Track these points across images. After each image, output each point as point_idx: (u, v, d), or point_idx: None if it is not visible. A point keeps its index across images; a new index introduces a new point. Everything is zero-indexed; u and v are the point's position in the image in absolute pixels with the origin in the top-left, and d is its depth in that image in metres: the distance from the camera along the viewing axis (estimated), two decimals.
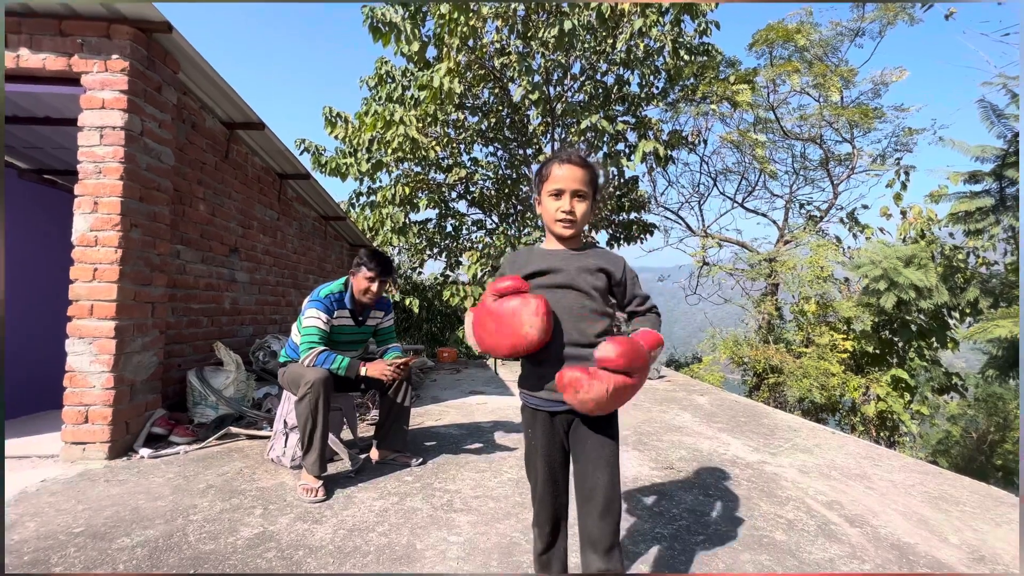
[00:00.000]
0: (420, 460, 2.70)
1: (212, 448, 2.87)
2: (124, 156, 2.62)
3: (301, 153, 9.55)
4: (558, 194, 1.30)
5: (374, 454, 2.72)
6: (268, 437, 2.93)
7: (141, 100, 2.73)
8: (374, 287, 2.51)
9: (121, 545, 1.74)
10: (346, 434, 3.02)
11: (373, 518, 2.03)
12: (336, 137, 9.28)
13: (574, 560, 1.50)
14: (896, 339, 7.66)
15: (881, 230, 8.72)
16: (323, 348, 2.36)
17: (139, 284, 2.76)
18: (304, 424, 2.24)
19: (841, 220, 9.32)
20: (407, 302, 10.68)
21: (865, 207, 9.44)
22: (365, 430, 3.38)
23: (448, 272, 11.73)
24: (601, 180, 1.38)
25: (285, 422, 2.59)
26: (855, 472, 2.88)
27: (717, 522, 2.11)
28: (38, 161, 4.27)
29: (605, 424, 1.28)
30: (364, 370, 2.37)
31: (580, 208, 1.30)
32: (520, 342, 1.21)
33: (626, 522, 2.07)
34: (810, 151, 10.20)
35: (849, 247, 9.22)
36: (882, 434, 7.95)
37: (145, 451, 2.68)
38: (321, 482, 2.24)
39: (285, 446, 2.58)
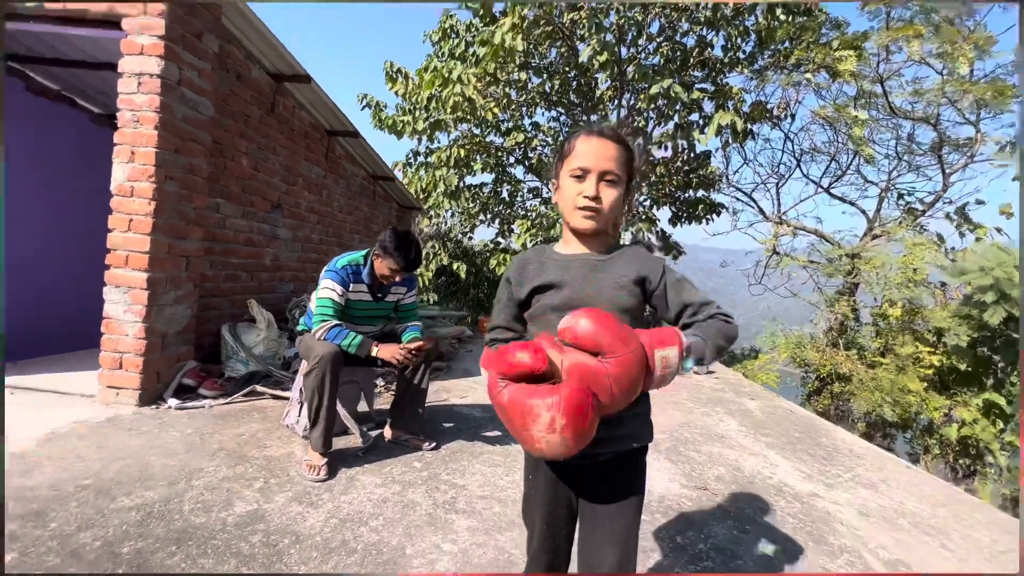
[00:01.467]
0: (433, 445, 2.58)
1: (236, 404, 2.91)
2: (160, 105, 2.56)
3: (363, 108, 9.49)
4: (582, 175, 0.98)
5: (387, 432, 2.64)
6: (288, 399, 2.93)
7: (179, 47, 2.64)
8: (396, 277, 2.35)
9: (119, 506, 1.75)
10: (363, 406, 2.96)
11: (370, 508, 1.93)
12: (396, 93, 9.14)
13: None
14: (996, 358, 6.66)
15: (998, 230, 7.45)
16: (336, 322, 2.24)
17: (173, 237, 2.76)
18: (311, 399, 2.16)
19: (948, 216, 8.07)
20: (455, 267, 10.65)
21: (980, 202, 8.07)
22: (385, 402, 3.32)
23: (500, 239, 11.56)
24: (636, 163, 1.06)
25: (300, 391, 2.54)
26: (929, 523, 2.45)
27: (749, 568, 1.82)
28: (108, 107, 4.42)
29: (625, 486, 1.02)
30: (376, 351, 2.24)
31: (609, 195, 0.99)
32: (534, 450, 0.81)
33: (643, 553, 1.84)
34: (920, 133, 8.82)
35: (953, 247, 8.02)
36: (961, 462, 7.08)
37: (173, 401, 2.74)
38: (325, 460, 2.16)
39: (299, 415, 2.54)
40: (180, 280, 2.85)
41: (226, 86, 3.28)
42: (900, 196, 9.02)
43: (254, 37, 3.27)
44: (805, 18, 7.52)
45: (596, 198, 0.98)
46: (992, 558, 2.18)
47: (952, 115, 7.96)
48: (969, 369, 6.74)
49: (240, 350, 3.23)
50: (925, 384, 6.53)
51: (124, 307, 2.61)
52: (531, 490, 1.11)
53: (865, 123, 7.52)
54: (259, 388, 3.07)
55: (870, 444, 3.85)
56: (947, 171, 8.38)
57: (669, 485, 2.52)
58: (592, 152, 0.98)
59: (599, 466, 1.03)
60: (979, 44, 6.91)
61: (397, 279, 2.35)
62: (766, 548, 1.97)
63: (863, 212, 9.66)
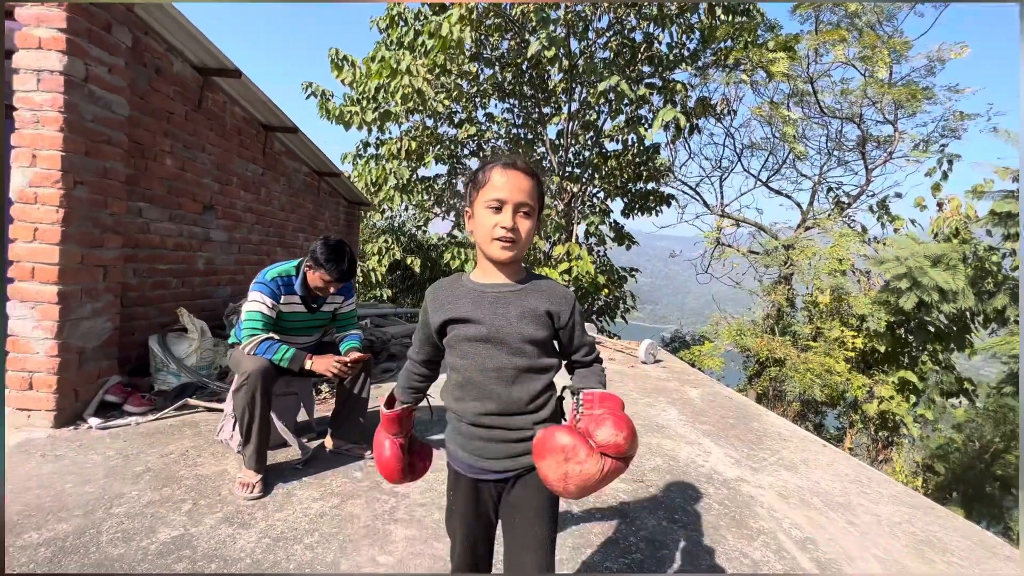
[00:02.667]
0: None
1: (167, 420, 2.78)
2: (64, 105, 2.37)
3: (308, 97, 9.10)
4: (499, 207, 1.02)
5: (328, 442, 2.60)
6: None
7: (84, 40, 2.44)
8: (331, 288, 2.30)
9: (26, 542, 1.64)
10: (304, 415, 2.89)
11: (306, 524, 1.91)
12: (343, 82, 8.81)
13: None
14: (911, 339, 7.31)
15: (913, 222, 8.15)
16: (265, 336, 2.18)
17: (87, 247, 2.57)
18: (242, 416, 2.09)
19: (871, 208, 8.72)
20: (409, 261, 10.49)
21: (899, 196, 8.78)
22: (327, 409, 3.26)
23: (456, 233, 11.47)
24: (546, 195, 1.12)
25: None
26: (839, 501, 2.69)
27: (674, 559, 1.94)
28: None
29: (539, 498, 1.07)
30: (309, 364, 2.20)
31: (524, 226, 1.04)
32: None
33: (576, 550, 1.92)
34: (847, 130, 9.45)
35: (875, 237, 8.68)
36: (881, 434, 7.76)
37: (95, 421, 2.59)
38: (260, 476, 2.11)
39: (233, 429, 2.45)
40: (97, 291, 2.67)
41: (144, 82, 3.07)
42: (830, 189, 9.64)
43: (173, 28, 3.06)
44: (744, 18, 7.84)
45: (514, 229, 1.02)
46: (891, 528, 2.43)
47: (874, 114, 8.56)
48: (888, 349, 7.36)
49: (170, 362, 3.08)
50: (849, 365, 7.08)
51: (32, 323, 2.42)
52: (452, 504, 1.16)
53: (796, 123, 7.96)
54: (192, 401, 2.94)
55: (796, 427, 4.15)
56: (870, 167, 9.03)
57: None
58: (507, 184, 1.02)
59: (512, 481, 1.09)
60: (896, 48, 7.44)
61: (331, 290, 2.30)
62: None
63: (798, 205, 10.27)
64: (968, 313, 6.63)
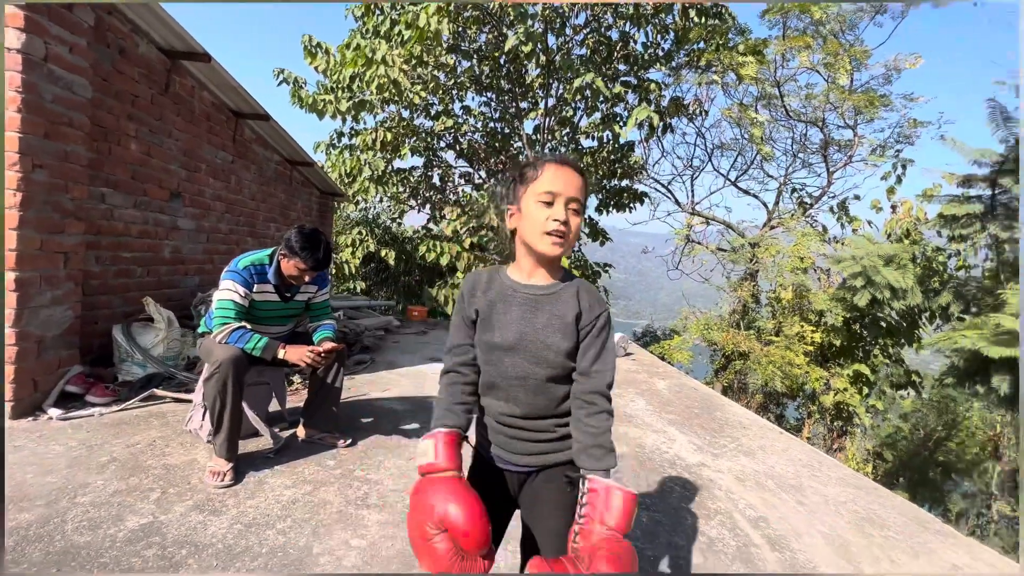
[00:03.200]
0: (348, 441, 2.59)
1: (132, 411, 2.73)
2: (22, 84, 2.28)
3: (280, 84, 8.87)
4: (551, 200, 1.00)
5: (300, 431, 2.61)
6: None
7: (44, 18, 2.35)
8: (306, 278, 2.29)
9: None
10: (275, 406, 2.88)
11: (278, 511, 1.93)
12: (317, 69, 8.63)
13: None
14: (865, 334, 7.72)
15: (869, 223, 8.57)
16: (238, 324, 2.17)
17: (46, 232, 2.49)
18: (213, 405, 2.08)
19: (831, 209, 9.14)
20: (383, 253, 10.40)
21: (857, 198, 9.23)
22: (299, 400, 3.26)
23: (431, 225, 11.41)
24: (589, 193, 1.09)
25: (204, 394, 2.44)
26: (791, 483, 2.86)
27: (637, 538, 2.05)
28: None
29: (559, 492, 1.07)
30: (282, 353, 2.20)
31: (574, 222, 1.02)
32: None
33: None
34: (811, 134, 9.85)
35: (835, 237, 9.10)
36: (836, 423, 8.18)
37: (55, 412, 2.52)
38: (231, 465, 2.11)
39: (203, 419, 2.44)
40: (58, 279, 2.59)
41: (108, 63, 2.97)
42: (794, 190, 10.03)
43: (138, 8, 2.96)
44: (716, 21, 8.05)
45: (566, 223, 1.01)
46: (837, 507, 2.61)
47: (836, 119, 8.95)
48: (844, 344, 7.75)
49: (135, 352, 3.01)
50: (808, 358, 7.43)
51: None
52: (472, 476, 1.14)
53: (763, 125, 8.24)
54: (159, 392, 2.89)
55: (757, 416, 4.36)
56: (831, 169, 9.44)
57: None
58: (562, 179, 1.02)
59: (536, 474, 1.09)
60: (857, 56, 7.79)
61: (306, 279, 2.30)
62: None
63: (764, 204, 10.65)
64: (916, 310, 7.05)
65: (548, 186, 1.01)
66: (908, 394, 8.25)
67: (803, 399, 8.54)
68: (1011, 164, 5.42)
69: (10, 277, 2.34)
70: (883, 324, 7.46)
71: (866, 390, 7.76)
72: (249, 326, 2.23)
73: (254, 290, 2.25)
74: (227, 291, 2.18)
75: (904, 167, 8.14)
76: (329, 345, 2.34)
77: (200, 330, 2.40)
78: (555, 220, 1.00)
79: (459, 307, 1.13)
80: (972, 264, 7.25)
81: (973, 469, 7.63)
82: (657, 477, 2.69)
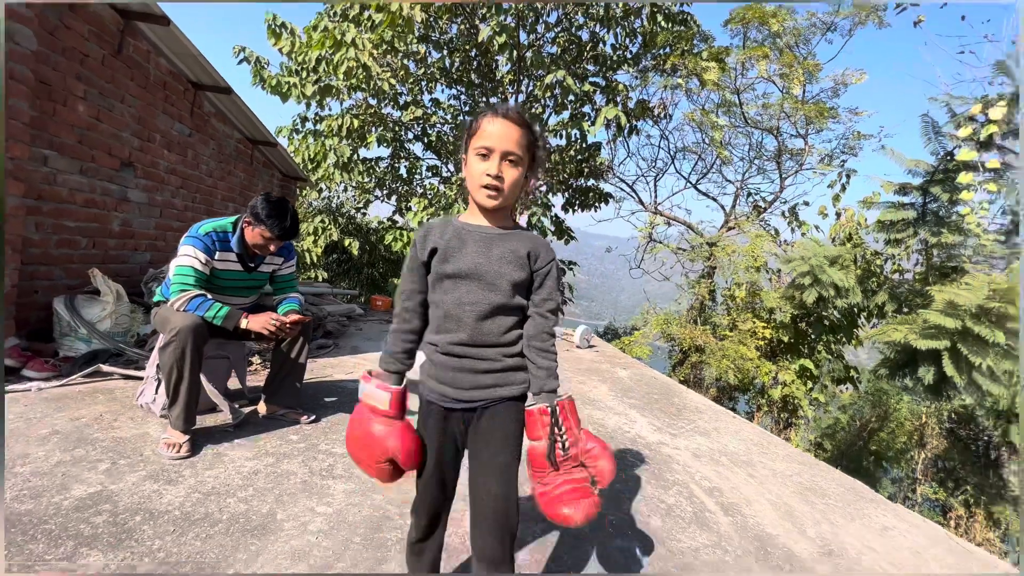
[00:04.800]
0: (312, 418, 2.54)
1: (75, 387, 2.56)
2: None
3: (240, 63, 8.51)
4: (486, 154, 1.07)
5: (262, 407, 2.53)
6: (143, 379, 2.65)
7: None
8: (271, 247, 2.23)
9: None
10: (235, 382, 2.79)
11: (239, 481, 1.88)
12: (281, 51, 8.32)
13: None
14: (810, 331, 8.21)
15: (816, 228, 9.12)
16: (198, 292, 2.08)
17: None
18: (169, 374, 2.00)
19: (783, 214, 9.66)
20: (347, 243, 10.15)
21: (806, 203, 9.80)
22: (260, 379, 3.16)
23: (396, 217, 11.24)
24: (540, 148, 1.15)
25: (157, 367, 2.33)
26: (743, 459, 3.03)
27: (603, 506, 2.12)
28: None
29: (504, 428, 1.14)
30: (245, 323, 2.13)
31: (511, 175, 1.08)
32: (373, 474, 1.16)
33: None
34: (767, 141, 10.38)
35: (785, 240, 9.62)
36: (782, 416, 8.66)
37: None
38: (187, 437, 2.03)
39: (156, 392, 2.33)
40: None
41: (55, 16, 2.77)
42: (749, 195, 10.54)
43: None
44: (682, 28, 8.36)
45: (498, 177, 1.07)
46: (783, 480, 2.78)
47: (789, 128, 9.47)
48: (791, 340, 8.21)
49: (80, 326, 2.83)
50: (759, 353, 7.83)
51: None
52: (421, 431, 1.19)
53: (723, 129, 8.62)
54: (105, 368, 2.73)
55: (711, 402, 4.57)
56: (784, 176, 9.97)
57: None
58: (496, 133, 1.06)
59: (478, 412, 1.15)
60: (809, 69, 8.27)
61: (272, 248, 2.24)
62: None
63: (722, 207, 11.13)
64: (856, 309, 7.57)
65: (483, 140, 1.07)
66: (847, 388, 8.83)
67: (753, 393, 9.00)
68: (940, 175, 5.91)
69: None
70: (827, 322, 7.96)
71: (810, 384, 8.26)
72: (209, 295, 2.14)
73: (216, 258, 2.17)
74: (187, 256, 2.09)
75: (848, 176, 8.71)
76: (295, 316, 2.28)
77: (155, 299, 2.29)
78: (487, 175, 1.06)
79: (412, 253, 1.19)
80: (905, 268, 7.86)
81: (901, 457, 8.28)
82: (619, 454, 2.79)
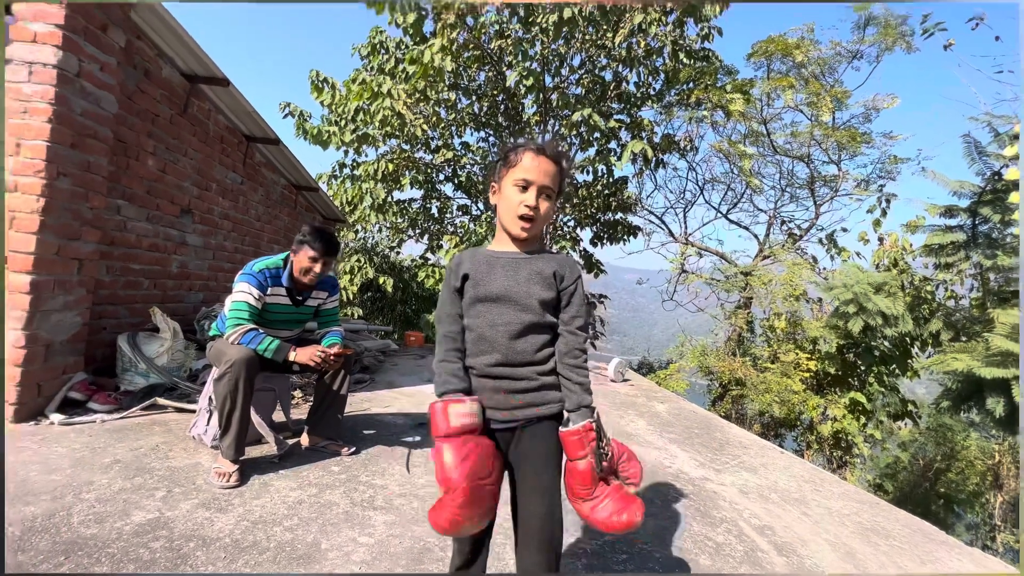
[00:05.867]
0: (352, 449, 2.58)
1: (134, 419, 2.71)
2: (55, 97, 2.40)
3: (285, 116, 9.21)
4: (525, 186, 1.15)
5: (305, 439, 2.60)
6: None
7: (80, 38, 2.50)
8: (316, 267, 2.36)
9: None
10: (279, 415, 2.88)
11: (284, 510, 1.92)
12: (323, 103, 8.96)
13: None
14: (859, 363, 7.78)
15: (857, 254, 8.81)
16: (251, 326, 2.21)
17: (64, 238, 2.55)
18: (222, 405, 2.10)
19: (820, 241, 9.39)
20: (381, 281, 10.47)
21: (845, 230, 9.52)
22: (302, 412, 3.24)
23: (428, 255, 11.56)
24: (566, 181, 1.23)
25: (210, 399, 2.44)
26: (794, 496, 2.86)
27: (646, 540, 2.04)
28: None
29: (545, 447, 1.16)
30: (294, 355, 2.23)
31: (544, 206, 1.17)
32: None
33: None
34: (798, 169, 10.25)
35: (825, 268, 9.31)
36: (835, 454, 8.11)
37: (57, 417, 2.50)
38: (237, 467, 2.10)
39: (208, 424, 2.43)
40: (70, 284, 2.63)
41: (133, 83, 3.12)
42: (783, 223, 10.33)
43: (166, 34, 3.15)
44: (704, 63, 8.53)
45: (535, 208, 1.16)
46: (841, 519, 2.60)
47: (820, 155, 9.34)
48: (839, 372, 7.80)
49: (139, 361, 3.01)
50: (804, 386, 7.45)
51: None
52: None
53: (751, 157, 8.59)
54: (161, 401, 2.87)
55: (756, 437, 4.36)
56: (818, 202, 9.76)
57: None
58: (537, 168, 1.15)
59: (517, 432, 1.17)
60: (838, 97, 8.23)
61: (316, 269, 2.36)
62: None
63: (755, 236, 10.93)
64: (908, 338, 7.16)
65: (523, 173, 1.15)
66: (906, 424, 8.24)
67: (801, 429, 8.50)
68: (988, 195, 5.67)
69: (25, 280, 2.38)
70: (876, 352, 7.54)
71: (863, 419, 7.75)
72: (261, 329, 2.27)
73: (267, 293, 2.31)
74: (242, 293, 2.23)
75: (888, 201, 8.45)
76: (338, 348, 2.37)
77: (211, 333, 2.44)
78: (526, 205, 1.15)
79: (446, 283, 1.25)
80: (960, 294, 7.43)
81: (975, 500, 7.54)
82: (661, 489, 2.69)
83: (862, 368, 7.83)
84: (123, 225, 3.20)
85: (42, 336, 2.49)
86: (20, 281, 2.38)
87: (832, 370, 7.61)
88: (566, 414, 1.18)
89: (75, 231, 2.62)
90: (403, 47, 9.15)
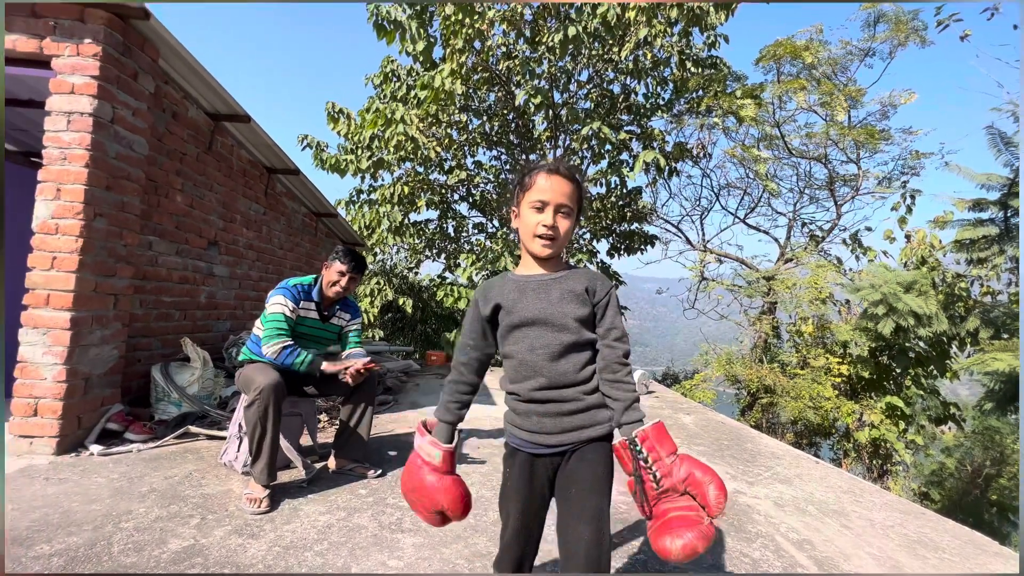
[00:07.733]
0: (379, 472, 2.60)
1: (168, 447, 2.79)
2: (91, 143, 2.54)
3: (303, 148, 9.52)
4: (541, 207, 1.15)
5: (331, 463, 2.63)
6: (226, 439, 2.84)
7: (114, 87, 2.66)
8: (343, 281, 2.49)
9: (38, 553, 1.65)
10: (306, 439, 2.92)
11: (314, 535, 1.94)
12: (339, 133, 9.25)
13: None
14: (894, 365, 7.50)
15: (884, 253, 8.57)
16: (289, 341, 2.31)
17: (101, 275, 2.68)
18: (252, 431, 2.15)
19: (844, 241, 9.17)
20: (401, 302, 10.59)
21: (869, 229, 9.27)
22: (328, 436, 3.28)
23: (446, 274, 11.67)
24: (584, 198, 1.24)
25: (240, 425, 2.50)
26: (833, 508, 2.75)
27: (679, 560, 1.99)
28: (25, 144, 4.23)
29: (592, 470, 1.13)
30: (324, 365, 2.33)
31: (563, 225, 1.16)
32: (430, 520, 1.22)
33: None
34: (815, 170, 10.08)
35: (851, 269, 9.07)
36: (874, 462, 7.77)
37: (96, 448, 2.59)
38: (267, 492, 2.14)
39: (238, 451, 2.48)
40: (107, 319, 2.75)
41: (162, 124, 3.29)
42: (804, 225, 10.13)
43: (191, 78, 3.32)
44: (711, 71, 8.54)
45: (553, 227, 1.15)
46: (884, 531, 2.49)
47: (838, 155, 9.18)
48: (873, 376, 7.53)
49: (172, 391, 3.11)
50: (837, 391, 7.20)
51: (43, 349, 2.48)
52: (507, 480, 1.21)
53: (767, 161, 8.50)
54: (193, 429, 2.95)
55: (789, 446, 4.22)
56: (839, 202, 9.56)
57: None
58: (550, 188, 1.15)
59: (567, 455, 1.16)
60: (852, 95, 8.12)
61: (343, 283, 2.47)
62: None
63: (775, 239, 10.73)
64: (944, 337, 6.88)
65: (538, 194, 1.16)
66: (949, 428, 7.87)
67: (837, 437, 8.19)
68: (1018, 186, 5.49)
69: (66, 317, 2.50)
70: (911, 354, 7.27)
71: (903, 424, 7.44)
72: (296, 344, 2.36)
73: (300, 306, 2.43)
74: (278, 305, 2.33)
75: (913, 197, 8.23)
76: (363, 362, 2.43)
77: (241, 358, 2.51)
78: (544, 225, 1.15)
79: (472, 312, 1.26)
80: (996, 289, 7.14)
81: None
82: None
83: (897, 371, 7.54)
84: (155, 260, 3.33)
85: (81, 370, 2.59)
86: (60, 318, 2.50)
87: (866, 374, 7.35)
88: (615, 432, 1.16)
89: (111, 268, 2.75)
90: (414, 74, 9.42)
